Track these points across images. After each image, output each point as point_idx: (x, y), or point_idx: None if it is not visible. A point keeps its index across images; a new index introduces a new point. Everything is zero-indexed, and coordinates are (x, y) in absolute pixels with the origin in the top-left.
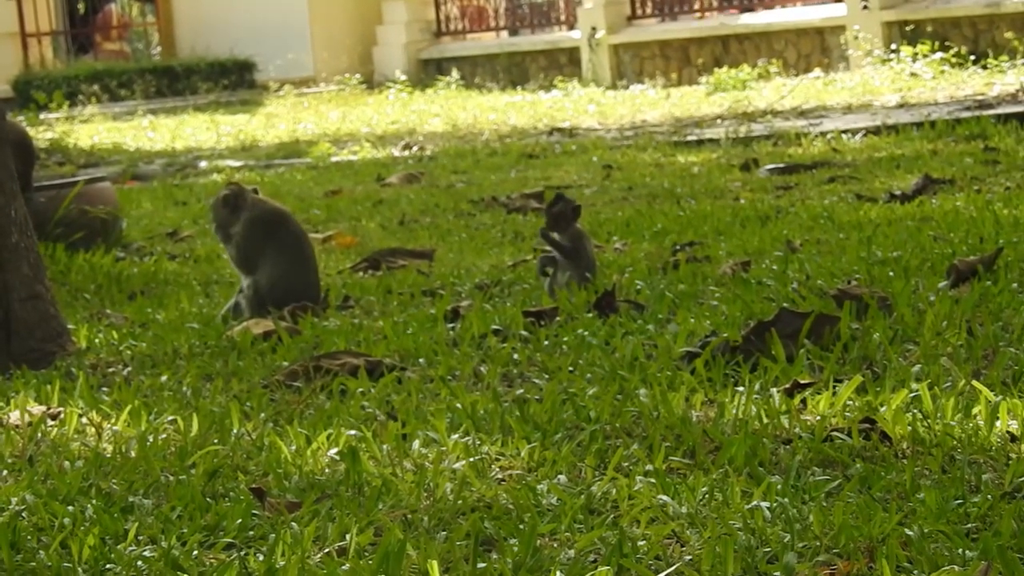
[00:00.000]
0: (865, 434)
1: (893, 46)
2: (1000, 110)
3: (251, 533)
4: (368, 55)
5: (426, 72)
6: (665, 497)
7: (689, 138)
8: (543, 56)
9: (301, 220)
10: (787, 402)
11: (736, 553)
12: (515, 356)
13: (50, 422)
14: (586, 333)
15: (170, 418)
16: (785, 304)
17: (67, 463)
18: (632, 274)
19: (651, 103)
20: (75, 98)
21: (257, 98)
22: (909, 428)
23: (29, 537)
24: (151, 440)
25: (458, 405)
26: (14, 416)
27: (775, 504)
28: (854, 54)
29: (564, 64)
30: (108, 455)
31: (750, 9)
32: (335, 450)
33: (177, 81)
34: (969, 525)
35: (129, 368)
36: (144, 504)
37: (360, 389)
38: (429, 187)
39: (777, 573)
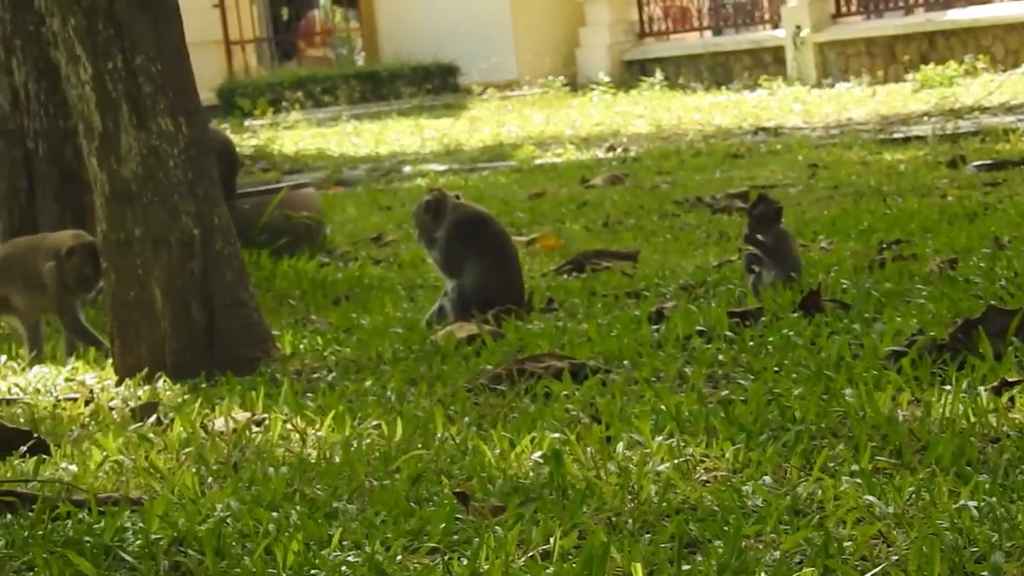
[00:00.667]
0: None
1: None
2: None
3: (455, 537)
4: (571, 57)
5: (630, 73)
6: (871, 497)
7: (895, 136)
8: (747, 55)
9: (505, 223)
10: (995, 400)
11: (943, 553)
12: (720, 357)
13: (255, 428)
14: (791, 333)
15: (374, 423)
16: (992, 302)
17: (271, 469)
18: (838, 273)
19: (856, 101)
20: (279, 105)
21: (461, 102)
22: None
23: (234, 543)
24: (355, 445)
25: (662, 407)
26: (219, 423)
27: (982, 503)
28: None
29: (768, 63)
30: (312, 460)
31: (956, 5)
32: (539, 453)
33: (381, 86)
34: None
35: (333, 373)
36: (348, 509)
37: (564, 392)
38: (633, 188)
39: (984, 573)
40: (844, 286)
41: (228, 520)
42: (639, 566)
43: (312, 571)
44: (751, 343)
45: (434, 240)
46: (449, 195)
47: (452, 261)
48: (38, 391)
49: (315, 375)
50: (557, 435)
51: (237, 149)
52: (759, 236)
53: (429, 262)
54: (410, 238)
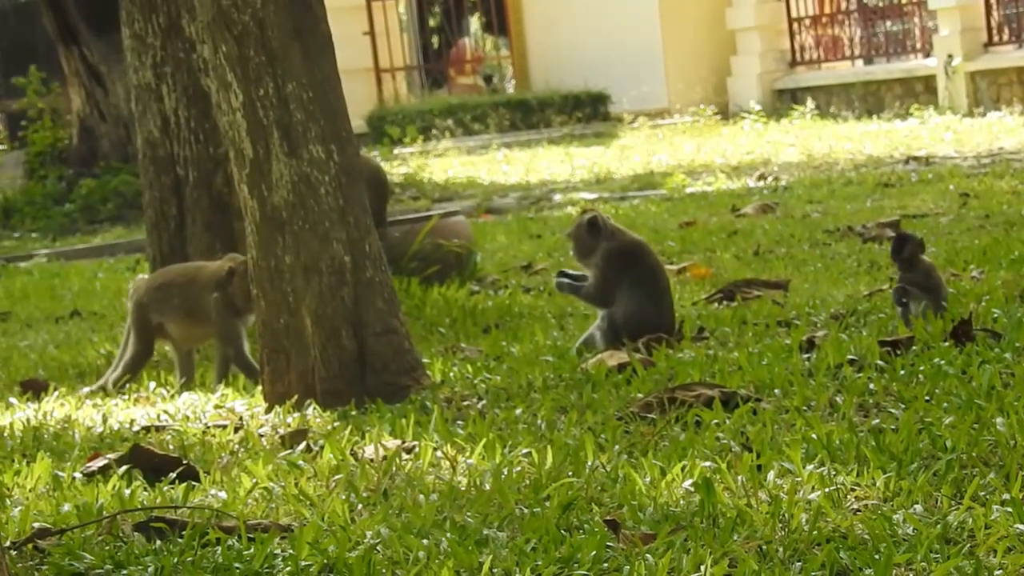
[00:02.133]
0: None
1: None
2: None
3: (605, 565)
4: (722, 85)
5: (780, 102)
6: (1022, 526)
7: None
8: (898, 84)
9: (656, 251)
10: None
11: None
12: (871, 386)
13: (405, 456)
14: (942, 362)
15: (525, 451)
16: None
17: (421, 496)
18: (988, 302)
19: (1008, 130)
20: (429, 133)
21: (611, 130)
22: None
23: (384, 570)
24: (505, 473)
25: (813, 435)
26: (369, 450)
27: None
28: None
29: (920, 92)
30: (462, 488)
31: None
32: (690, 481)
33: (531, 114)
34: None
35: (483, 401)
36: (498, 537)
37: (715, 420)
38: (784, 217)
39: None
40: (995, 315)
41: (378, 547)
42: None
43: None
44: (902, 372)
45: (589, 264)
46: (607, 218)
47: (607, 289)
48: (187, 418)
49: (465, 403)
50: (708, 463)
51: (387, 177)
52: (908, 274)
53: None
54: (561, 266)
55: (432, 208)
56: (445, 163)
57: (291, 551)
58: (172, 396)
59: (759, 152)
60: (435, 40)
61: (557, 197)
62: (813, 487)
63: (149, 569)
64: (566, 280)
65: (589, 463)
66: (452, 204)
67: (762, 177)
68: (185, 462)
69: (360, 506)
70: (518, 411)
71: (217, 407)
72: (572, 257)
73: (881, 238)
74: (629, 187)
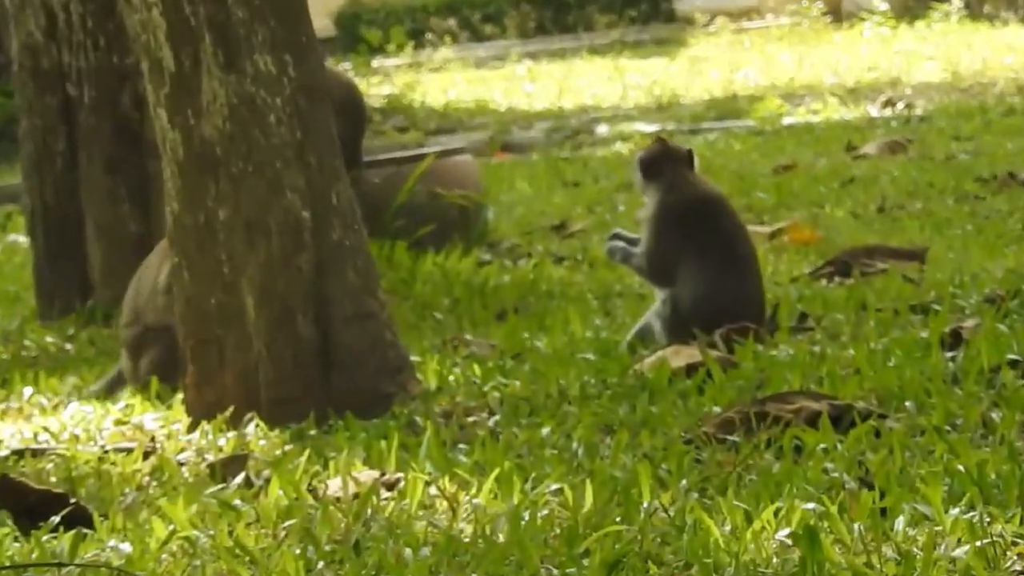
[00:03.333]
0: None
1: None
2: None
3: None
4: None
5: None
6: None
7: None
8: None
9: (740, 207)
10: None
11: None
12: None
13: (385, 493)
14: None
15: (554, 487)
16: None
17: (408, 551)
18: None
19: None
20: (421, 37)
21: (678, 35)
22: None
23: None
24: (527, 518)
25: (960, 467)
26: (334, 485)
27: None
28: None
29: None
30: (466, 539)
31: None
32: (787, 531)
33: (566, 13)
34: None
35: (497, 416)
36: None
37: (822, 444)
38: (920, 159)
39: None
40: None
41: None
42: None
43: None
44: None
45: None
46: (679, 150)
47: (662, 260)
48: (77, 438)
49: (471, 419)
50: (811, 505)
51: (365, 101)
52: None
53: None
54: (607, 225)
55: (426, 144)
56: (444, 80)
57: None
58: (56, 407)
59: (885, 68)
60: None
61: (602, 129)
62: (959, 539)
63: None
64: (620, 244)
65: (644, 504)
66: (455, 138)
67: (889, 103)
68: (73, 501)
69: (321, 564)
70: (545, 431)
71: (119, 423)
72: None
73: None
74: (703, 116)
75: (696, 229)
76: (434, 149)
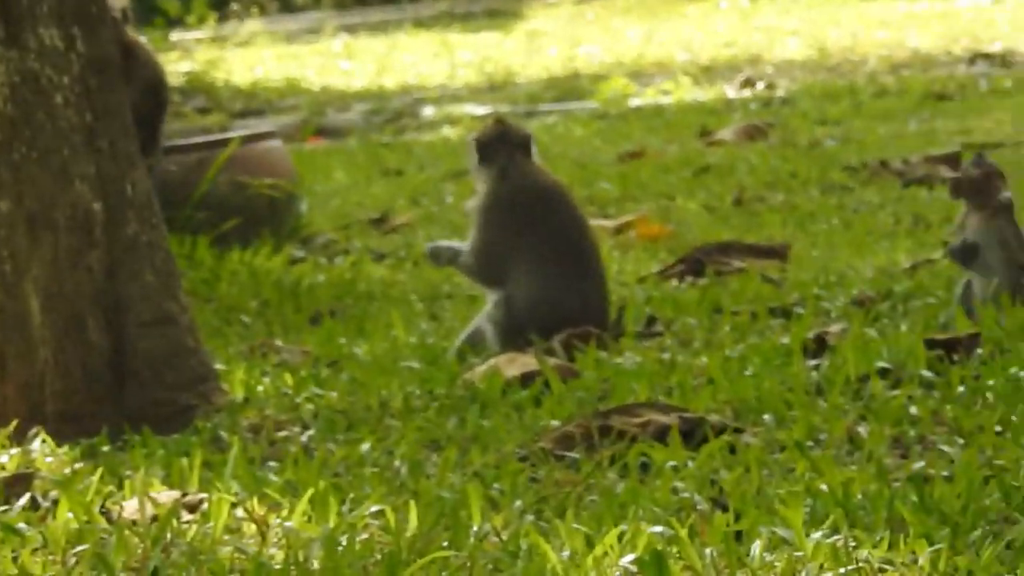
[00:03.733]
0: None
1: None
2: None
3: None
4: None
5: None
6: None
7: None
8: None
9: (582, 199)
10: None
11: None
12: (912, 410)
13: (186, 515)
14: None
15: (374, 508)
16: None
17: None
18: None
19: None
20: (226, 8)
21: (513, 7)
22: None
23: None
24: (344, 543)
25: (823, 487)
26: (130, 506)
27: None
28: None
29: None
30: (277, 567)
31: None
32: (631, 556)
33: None
34: None
35: (311, 431)
36: None
37: (671, 462)
38: (781, 146)
39: None
40: None
41: None
42: None
43: None
44: (961, 388)
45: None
46: (518, 134)
47: (491, 257)
48: None
49: (282, 433)
50: (659, 528)
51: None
52: (975, 220)
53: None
54: (434, 219)
55: (231, 127)
56: (251, 56)
57: None
58: None
59: (743, 44)
60: None
61: (428, 111)
62: (822, 565)
63: None
64: (444, 243)
65: (475, 528)
66: (263, 122)
67: (748, 83)
68: None
69: None
70: (365, 447)
71: None
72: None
73: (931, 179)
74: (541, 97)
75: (531, 223)
76: (240, 133)
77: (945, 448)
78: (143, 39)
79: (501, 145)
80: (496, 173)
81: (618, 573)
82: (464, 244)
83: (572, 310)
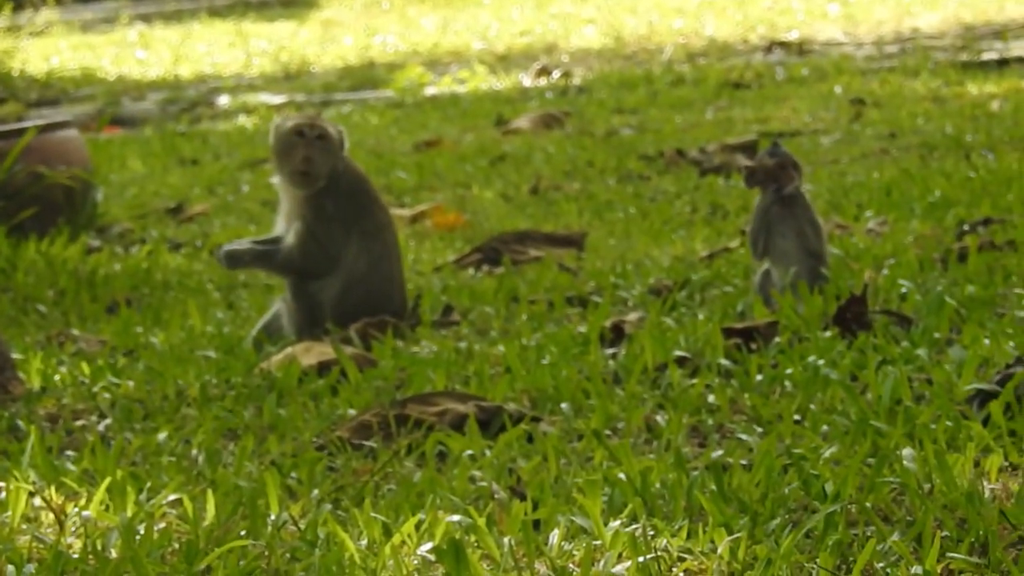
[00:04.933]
0: None
1: None
2: None
3: None
4: None
5: None
6: None
7: (985, 57)
8: None
9: (379, 187)
10: None
11: None
12: (710, 398)
13: None
14: (821, 362)
15: (172, 497)
16: None
17: (11, 568)
18: (894, 269)
19: (926, 1)
20: None
21: None
22: None
23: None
24: (142, 531)
25: (621, 475)
26: None
27: None
28: None
29: None
30: (75, 556)
31: None
32: (429, 545)
33: None
34: None
35: (108, 420)
36: None
37: (468, 451)
38: (578, 135)
39: None
40: (903, 289)
41: None
42: None
43: None
44: (759, 377)
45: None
46: (319, 126)
47: (328, 250)
48: None
49: (79, 422)
50: (457, 517)
51: None
52: (771, 207)
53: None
54: (230, 209)
55: (26, 117)
56: (47, 46)
57: None
58: None
59: (539, 33)
60: None
61: (223, 100)
62: (620, 554)
63: None
64: (247, 246)
65: (272, 517)
66: (59, 111)
67: (544, 72)
68: None
69: None
70: (162, 436)
71: None
72: (281, 181)
73: (728, 168)
74: (337, 86)
75: (361, 215)
76: (35, 123)
77: (743, 436)
78: None
79: (330, 131)
80: (335, 160)
81: (416, 562)
82: (263, 243)
83: (370, 298)
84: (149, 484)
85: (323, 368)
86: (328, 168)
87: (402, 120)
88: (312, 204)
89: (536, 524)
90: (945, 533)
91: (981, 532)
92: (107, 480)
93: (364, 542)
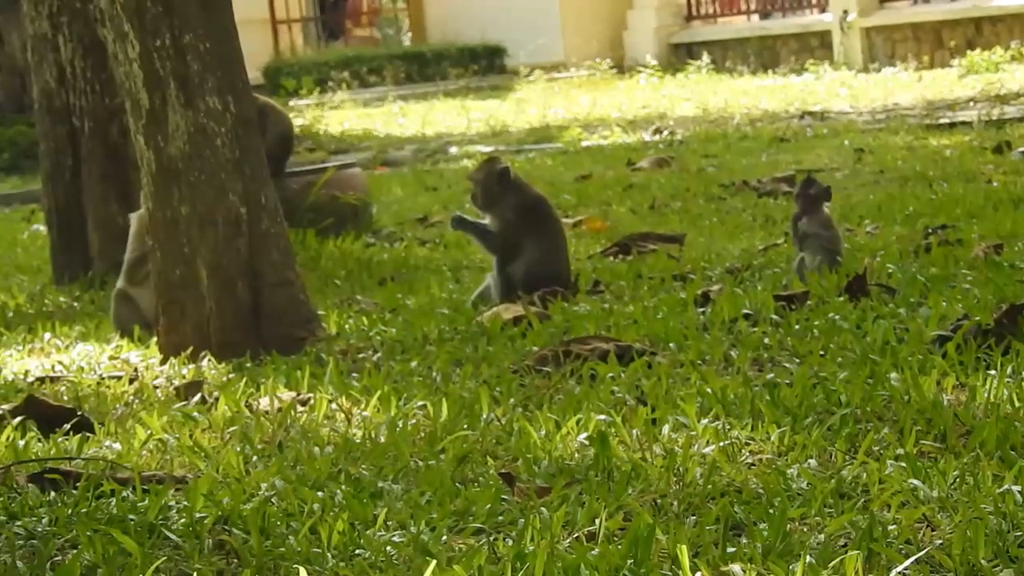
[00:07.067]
0: None
1: None
2: None
3: (500, 518)
4: (618, 40)
5: (676, 56)
6: (916, 481)
7: (941, 121)
8: (794, 39)
9: (554, 204)
10: None
11: (987, 537)
12: (766, 340)
13: (300, 408)
14: (837, 317)
15: (420, 403)
16: None
17: (316, 449)
18: (884, 257)
19: (903, 86)
20: (325, 85)
21: (507, 83)
22: None
23: (278, 523)
24: (401, 426)
25: (708, 390)
26: (264, 402)
27: None
28: None
29: (815, 47)
30: (358, 441)
31: None
32: (584, 435)
33: (427, 67)
34: None
35: (379, 354)
36: (393, 489)
37: (610, 374)
38: (679, 171)
39: None
40: (890, 270)
41: (273, 499)
42: (684, 548)
43: (357, 551)
44: (797, 327)
45: (493, 211)
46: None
47: (511, 241)
48: (82, 369)
49: (361, 355)
50: (603, 417)
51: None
52: (806, 218)
53: (475, 242)
54: None
55: (328, 160)
56: (341, 115)
57: (186, 503)
58: (67, 347)
59: (655, 106)
60: None
61: (453, 150)
62: (708, 441)
63: (43, 520)
64: (469, 219)
65: (484, 416)
66: (348, 156)
67: (658, 131)
68: (80, 413)
69: (255, 458)
70: (413, 364)
71: (112, 358)
72: (470, 203)
73: (776, 192)
74: (525, 140)
75: (536, 221)
76: (333, 164)
77: (787, 365)
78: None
79: (509, 176)
80: (511, 192)
81: (576, 445)
82: (487, 226)
83: (549, 277)
84: (405, 395)
85: (516, 320)
86: (488, 195)
87: (567, 163)
88: (502, 215)
89: (654, 421)
90: (918, 428)
91: (942, 427)
92: (378, 392)
93: (543, 432)
